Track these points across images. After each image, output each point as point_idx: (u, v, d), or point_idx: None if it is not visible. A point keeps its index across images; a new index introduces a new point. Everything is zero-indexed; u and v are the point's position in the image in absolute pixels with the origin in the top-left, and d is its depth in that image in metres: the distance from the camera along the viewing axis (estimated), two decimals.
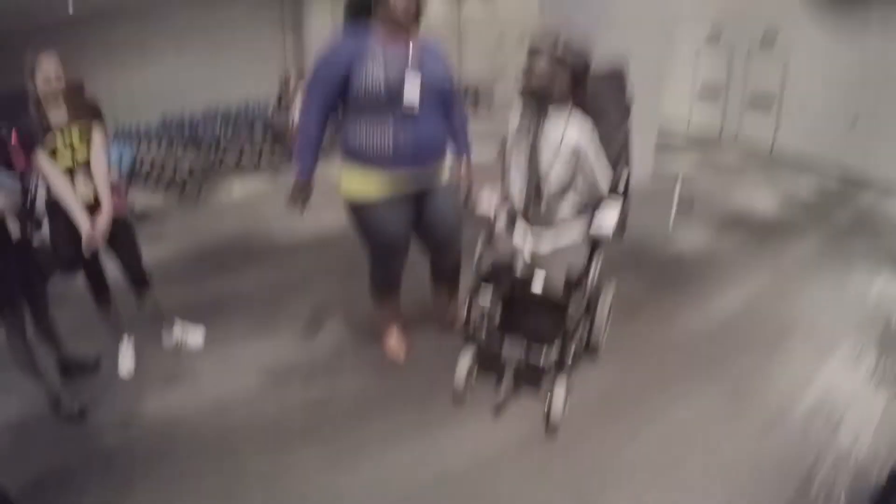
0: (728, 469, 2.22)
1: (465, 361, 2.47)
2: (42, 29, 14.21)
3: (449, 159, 2.69)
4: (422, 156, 2.50)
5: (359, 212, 2.56)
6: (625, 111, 2.56)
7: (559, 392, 2.33)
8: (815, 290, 3.73)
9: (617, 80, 2.56)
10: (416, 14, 2.37)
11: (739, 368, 2.83)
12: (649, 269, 4.02)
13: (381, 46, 2.33)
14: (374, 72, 2.29)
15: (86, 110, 2.78)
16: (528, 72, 2.21)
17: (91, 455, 2.56)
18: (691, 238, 4.67)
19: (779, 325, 3.25)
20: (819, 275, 3.95)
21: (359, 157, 2.45)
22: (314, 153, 2.48)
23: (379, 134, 2.39)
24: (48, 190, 2.76)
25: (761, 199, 6.01)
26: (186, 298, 3.75)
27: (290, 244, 4.89)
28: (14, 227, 2.61)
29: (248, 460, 2.42)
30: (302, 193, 2.52)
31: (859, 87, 7.79)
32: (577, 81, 2.25)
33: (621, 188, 2.46)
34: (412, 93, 2.34)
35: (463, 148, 2.74)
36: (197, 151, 8.86)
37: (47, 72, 2.60)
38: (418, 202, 2.62)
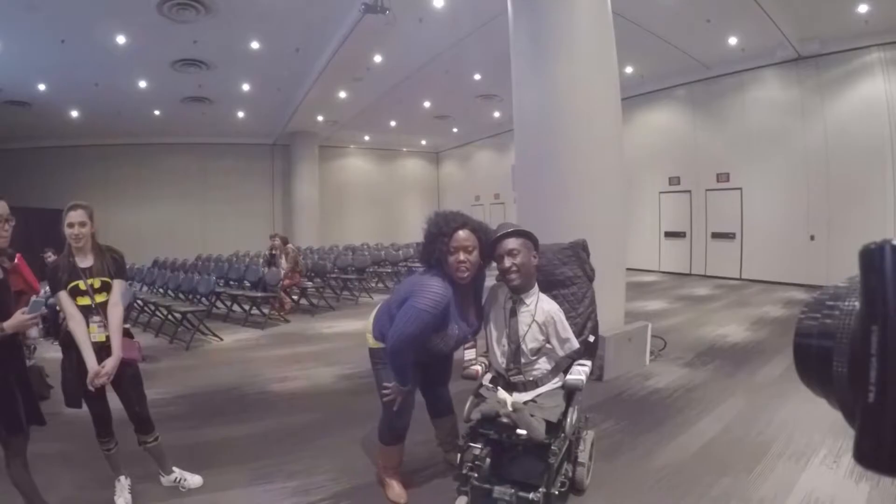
0: None
1: (459, 503, 2.61)
2: (42, 151, 14.94)
3: None
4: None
5: (394, 368, 2.83)
6: (589, 278, 3.01)
7: None
8: (789, 404, 3.96)
9: (580, 252, 3.03)
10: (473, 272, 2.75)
11: (720, 489, 2.97)
12: (629, 408, 4.24)
13: (455, 300, 2.74)
14: (449, 335, 2.74)
15: (111, 261, 3.04)
16: (500, 270, 2.72)
17: None
18: (667, 374, 4.94)
19: (757, 443, 3.44)
20: (792, 391, 4.15)
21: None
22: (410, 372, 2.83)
23: (423, 357, 2.85)
24: (64, 326, 2.93)
25: (732, 324, 6.34)
26: (180, 443, 3.79)
27: (284, 394, 5.04)
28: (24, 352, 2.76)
29: None
30: (401, 395, 2.84)
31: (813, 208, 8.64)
32: (537, 258, 2.76)
33: (590, 349, 2.88)
34: (468, 356, 2.90)
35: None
36: (188, 298, 9.15)
37: (73, 219, 2.92)
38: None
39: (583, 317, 2.92)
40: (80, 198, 3.11)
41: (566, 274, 2.96)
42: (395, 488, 3.09)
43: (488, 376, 2.83)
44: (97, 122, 14.38)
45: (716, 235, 10.68)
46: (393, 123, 17.28)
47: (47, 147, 15.57)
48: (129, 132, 15.79)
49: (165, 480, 3.32)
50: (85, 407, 3.00)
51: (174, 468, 3.34)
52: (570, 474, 2.79)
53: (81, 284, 2.93)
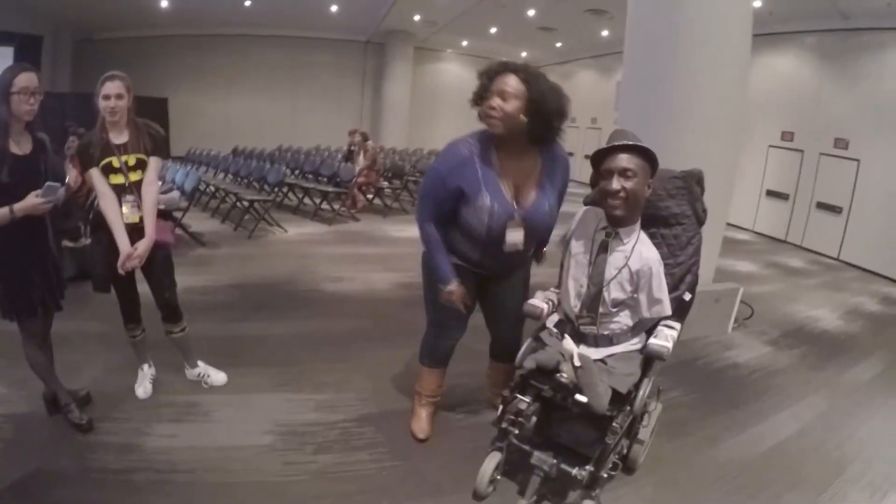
0: None
1: (492, 459, 2.30)
2: (139, 41, 15.34)
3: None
4: (500, 268, 2.54)
5: (430, 267, 2.52)
6: (699, 221, 2.44)
7: None
8: (874, 420, 3.40)
9: (693, 186, 2.43)
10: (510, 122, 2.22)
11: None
12: (701, 380, 3.77)
13: (493, 166, 2.33)
14: (480, 207, 2.30)
15: (148, 138, 2.80)
16: (603, 190, 2.14)
17: (85, 469, 2.50)
18: (748, 348, 4.41)
19: (832, 460, 2.94)
20: (880, 403, 3.62)
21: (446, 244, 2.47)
22: (446, 258, 2.46)
23: (469, 247, 2.44)
24: (96, 205, 2.79)
25: (825, 308, 5.70)
26: (219, 333, 3.72)
27: (335, 296, 4.87)
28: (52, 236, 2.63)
29: None
30: (458, 297, 2.46)
31: None
32: (650, 188, 2.17)
33: (682, 309, 2.34)
34: (514, 240, 2.35)
35: (538, 254, 2.72)
36: (260, 186, 9.13)
37: (109, 91, 2.65)
38: (487, 281, 2.58)
39: (682, 267, 2.36)
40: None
41: (671, 210, 2.38)
42: (422, 420, 2.83)
43: (554, 318, 2.38)
44: (189, 12, 14.17)
45: (821, 206, 9.55)
46: (493, 30, 16.14)
47: (142, 37, 15.49)
48: (221, 22, 15.53)
49: (190, 374, 3.23)
50: (113, 292, 2.88)
51: (199, 362, 3.24)
52: (625, 452, 2.42)
53: (115, 161, 2.71)
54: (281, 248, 6.61)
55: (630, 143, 2.10)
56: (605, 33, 14.60)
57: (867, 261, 8.55)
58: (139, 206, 2.77)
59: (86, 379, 3.09)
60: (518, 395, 2.22)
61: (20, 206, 2.32)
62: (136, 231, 2.75)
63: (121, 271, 2.71)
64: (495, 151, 2.31)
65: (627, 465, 2.50)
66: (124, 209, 2.75)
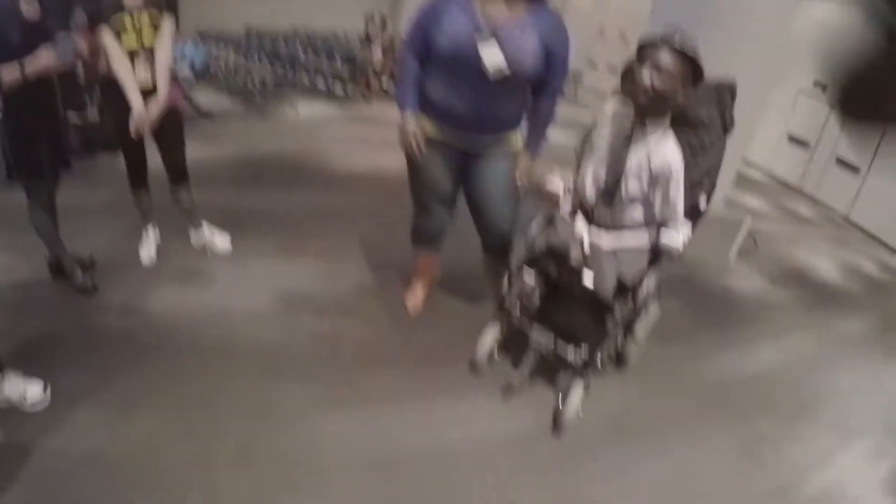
0: None
1: (491, 333, 2.36)
2: None
3: (518, 136, 2.51)
4: (479, 126, 2.40)
5: (396, 98, 2.50)
6: (725, 129, 2.35)
7: (577, 393, 2.20)
8: (856, 372, 3.43)
9: (724, 94, 2.33)
10: None
11: (757, 429, 2.63)
12: (697, 298, 3.80)
13: (471, 6, 2.20)
14: (450, 31, 2.18)
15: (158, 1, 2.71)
16: (633, 78, 1.98)
17: (88, 331, 2.56)
18: (747, 278, 4.42)
19: (807, 398, 3.00)
20: (861, 358, 3.63)
21: (422, 100, 2.39)
22: (414, 90, 2.38)
23: (442, 91, 2.32)
24: (106, 67, 2.72)
25: (826, 260, 5.69)
26: (224, 203, 3.70)
27: (343, 173, 4.80)
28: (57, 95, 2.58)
29: (239, 376, 2.37)
30: (412, 131, 2.40)
31: None
32: (683, 93, 2.01)
33: (694, 216, 2.29)
34: (492, 59, 2.19)
35: (533, 142, 2.51)
36: (273, 66, 8.85)
37: None
38: (469, 162, 2.50)
39: (700, 171, 2.27)
40: None
41: (699, 114, 2.25)
42: (416, 297, 2.87)
43: (568, 203, 2.33)
44: None
45: (840, 162, 9.34)
46: None
47: None
48: None
49: (194, 238, 3.25)
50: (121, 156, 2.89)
51: (204, 224, 3.25)
52: (620, 347, 2.46)
53: (127, 22, 2.62)
54: (291, 127, 6.46)
55: (676, 44, 1.93)
56: None
57: (875, 226, 8.45)
58: (151, 68, 2.72)
59: (90, 246, 3.10)
60: (524, 273, 2.23)
61: (32, 64, 2.28)
62: (147, 96, 2.71)
63: (133, 134, 2.69)
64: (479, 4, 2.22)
65: (620, 361, 2.55)
66: (137, 71, 2.68)
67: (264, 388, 2.32)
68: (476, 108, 2.32)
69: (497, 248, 2.71)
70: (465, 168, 2.52)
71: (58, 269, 2.84)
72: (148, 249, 3.12)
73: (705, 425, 2.55)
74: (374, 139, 6.13)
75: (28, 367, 2.28)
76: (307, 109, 7.32)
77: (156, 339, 2.52)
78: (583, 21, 17.81)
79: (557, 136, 6.23)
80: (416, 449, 2.12)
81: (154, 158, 2.98)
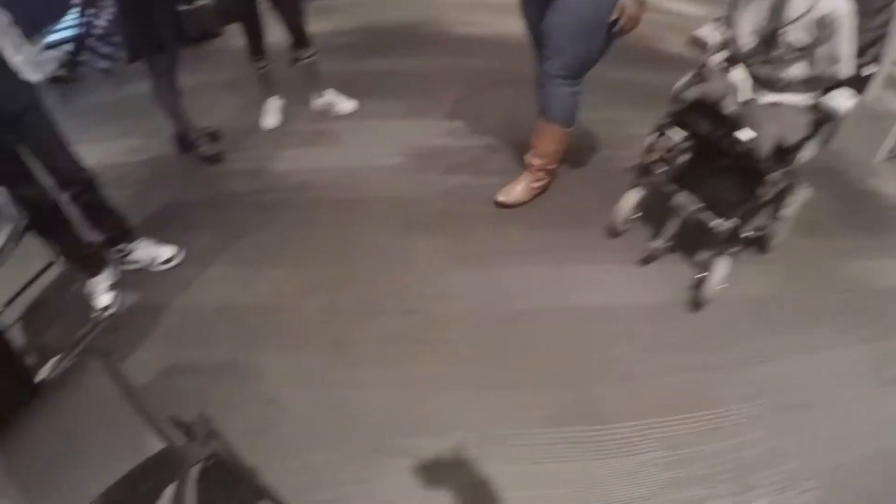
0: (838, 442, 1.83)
1: (632, 196, 2.21)
2: None
3: None
4: None
5: None
6: None
7: (721, 267, 2.03)
8: None
9: None
10: None
11: (893, 347, 2.31)
12: (841, 194, 3.40)
13: None
14: None
15: None
16: None
17: (217, 196, 2.65)
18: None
19: None
20: None
21: None
22: None
23: None
24: None
25: None
26: (343, 71, 3.62)
27: (468, 38, 4.60)
28: None
29: (368, 230, 2.39)
30: None
31: None
32: None
33: (859, 84, 1.97)
34: None
35: None
36: None
37: None
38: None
39: (868, 35, 1.95)
40: None
41: None
42: (521, 186, 2.58)
43: (721, 54, 2.07)
44: None
45: None
46: None
47: None
48: None
49: (317, 104, 3.24)
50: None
51: (327, 89, 3.24)
52: (766, 225, 2.23)
53: None
54: None
55: None
56: None
57: None
58: None
59: (214, 120, 3.16)
60: (668, 131, 2.03)
61: None
62: None
63: None
64: None
65: (762, 243, 2.33)
66: None
67: (393, 242, 2.34)
68: None
69: (543, 93, 2.40)
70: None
71: (183, 142, 2.95)
72: (270, 118, 3.18)
73: (843, 332, 2.28)
74: (494, 5, 5.87)
75: (162, 233, 2.40)
76: None
77: (284, 198, 2.59)
78: None
79: (689, 6, 5.68)
80: (544, 304, 2.08)
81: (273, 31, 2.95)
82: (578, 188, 2.63)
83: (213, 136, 3.03)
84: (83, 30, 4.43)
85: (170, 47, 2.66)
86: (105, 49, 4.44)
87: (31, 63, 1.87)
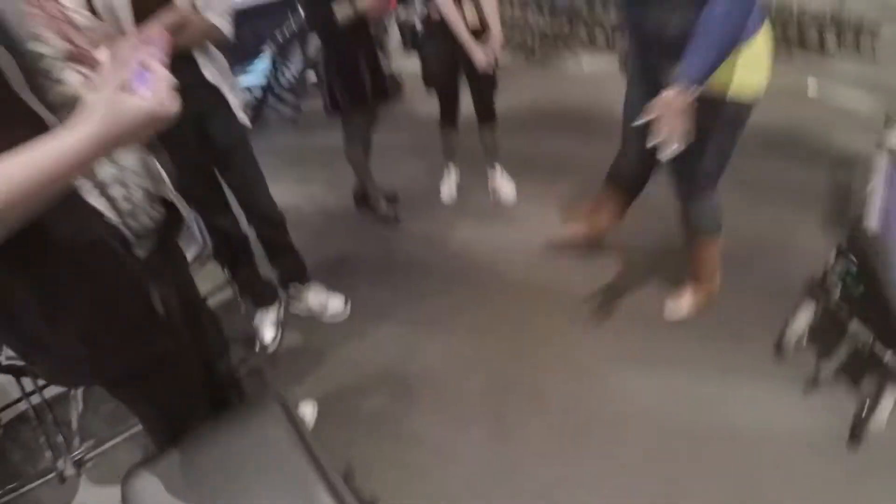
0: None
1: (804, 315, 2.11)
2: None
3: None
4: (654, 46, 1.94)
5: None
6: None
7: (888, 402, 1.89)
8: None
9: None
10: None
11: None
12: None
13: None
14: None
15: None
16: None
17: (390, 256, 2.79)
18: None
19: None
20: None
21: None
22: None
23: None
24: (428, 12, 2.87)
25: None
26: (517, 148, 3.67)
27: None
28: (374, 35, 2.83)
29: (538, 319, 2.42)
30: None
31: None
32: None
33: None
34: None
35: (688, 63, 1.62)
36: (551, 18, 8.66)
37: None
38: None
39: None
40: None
41: None
42: (569, 228, 2.48)
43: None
44: None
45: None
46: None
47: None
48: None
49: (491, 176, 3.36)
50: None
51: (498, 164, 3.35)
52: None
53: None
54: (575, 80, 6.21)
55: None
56: None
57: None
58: (479, 11, 2.77)
59: (394, 182, 3.35)
60: (851, 253, 1.94)
61: (360, 2, 2.52)
62: (475, 35, 2.77)
63: (481, 69, 2.80)
64: None
65: None
66: (466, 11, 2.76)
67: (561, 333, 2.34)
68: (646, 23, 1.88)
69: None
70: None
71: (363, 199, 3.16)
72: (449, 186, 3.36)
73: None
74: None
75: (331, 282, 2.57)
76: (589, 63, 7.14)
77: (458, 270, 2.67)
78: None
79: (854, 99, 5.34)
80: (707, 425, 1.99)
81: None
82: (744, 297, 2.50)
83: (392, 198, 3.21)
84: (272, 78, 4.94)
85: (370, 104, 2.84)
86: (290, 98, 4.93)
87: (242, 111, 2.07)
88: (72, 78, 0.86)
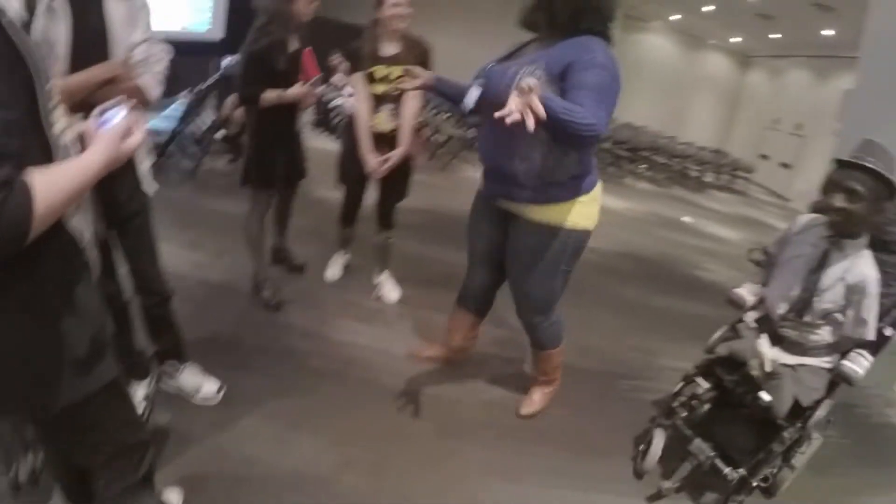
0: None
1: (659, 438, 2.30)
2: None
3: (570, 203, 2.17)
4: (500, 179, 2.17)
5: None
6: None
7: None
8: None
9: None
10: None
11: None
12: (857, 428, 3.44)
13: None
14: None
15: (416, 55, 2.87)
16: (830, 201, 1.97)
17: (269, 344, 2.74)
18: None
19: None
20: None
21: None
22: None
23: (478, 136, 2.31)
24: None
25: None
26: (405, 252, 3.81)
27: None
28: (298, 122, 2.89)
29: (409, 426, 2.43)
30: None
31: None
32: (878, 213, 1.98)
33: (879, 344, 2.16)
34: (470, 97, 2.07)
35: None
36: (457, 123, 9.15)
37: (394, 4, 2.76)
38: (509, 225, 2.28)
39: (892, 299, 2.17)
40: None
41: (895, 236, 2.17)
42: (427, 351, 2.81)
43: (754, 314, 2.28)
44: None
45: None
46: (708, 8, 14.67)
47: None
48: None
49: (377, 282, 3.42)
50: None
51: (385, 273, 3.41)
52: (774, 472, 2.30)
53: (380, 71, 2.83)
54: (471, 184, 6.56)
55: (868, 163, 1.91)
56: (827, 32, 12.75)
57: None
58: (396, 116, 2.88)
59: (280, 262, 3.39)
60: (697, 379, 2.20)
61: (290, 92, 2.64)
62: (386, 140, 2.88)
63: (372, 176, 2.91)
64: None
65: (769, 488, 2.38)
66: (381, 116, 2.87)
67: (431, 442, 2.37)
68: (487, 151, 2.20)
69: (526, 325, 2.51)
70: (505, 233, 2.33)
71: (254, 279, 3.10)
72: (333, 271, 3.38)
73: None
74: None
75: (207, 362, 2.47)
76: None
77: (335, 370, 2.66)
78: (756, 112, 17.02)
79: (727, 232, 5.91)
80: None
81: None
82: (608, 415, 2.71)
83: (297, 269, 3.30)
84: (182, 126, 4.73)
85: (284, 185, 2.91)
86: (195, 151, 4.73)
87: (150, 176, 2.04)
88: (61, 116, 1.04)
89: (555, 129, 1.68)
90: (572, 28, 1.92)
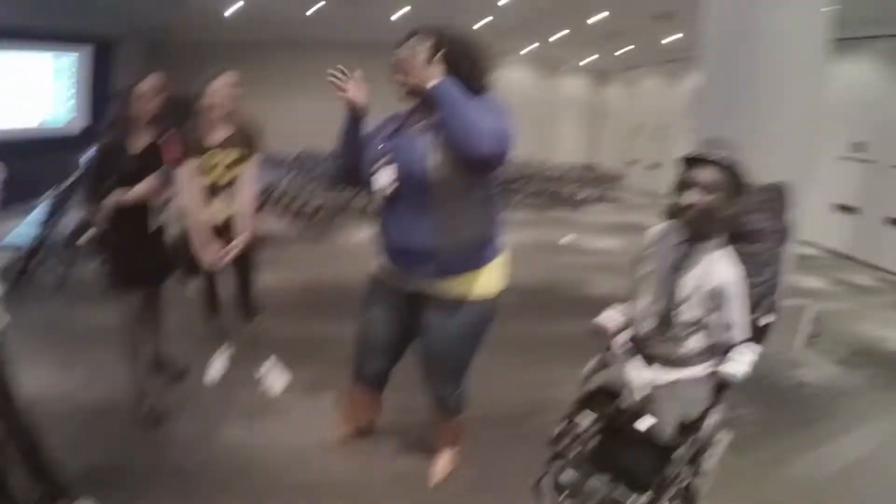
0: None
1: (552, 493, 2.18)
2: (203, 45, 14.71)
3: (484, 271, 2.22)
4: (413, 259, 2.14)
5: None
6: (781, 235, 2.26)
7: None
8: None
9: (776, 200, 2.28)
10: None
11: None
12: (768, 398, 3.60)
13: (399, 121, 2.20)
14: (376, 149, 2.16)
15: (246, 138, 2.80)
16: (682, 199, 1.96)
17: (152, 462, 2.54)
18: (817, 367, 4.24)
19: None
20: None
21: None
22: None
23: (382, 218, 2.23)
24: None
25: (893, 327, 5.42)
26: (285, 333, 3.68)
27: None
28: (154, 218, 2.73)
29: None
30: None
31: None
32: (730, 205, 1.96)
33: (759, 334, 2.16)
34: (381, 178, 2.07)
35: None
36: (329, 189, 9.08)
37: (228, 81, 2.69)
38: (417, 308, 2.28)
39: (763, 287, 2.16)
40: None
41: (755, 225, 2.17)
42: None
43: (625, 336, 2.20)
44: (255, 19, 13.21)
45: (892, 221, 8.97)
46: (560, 35, 15.36)
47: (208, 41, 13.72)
48: (285, 26, 14.41)
49: (260, 373, 3.24)
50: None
51: (267, 361, 3.24)
52: (686, 483, 2.20)
53: (212, 158, 2.73)
54: (351, 250, 6.51)
55: (717, 156, 1.92)
56: (674, 37, 13.74)
57: None
58: (230, 205, 2.79)
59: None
60: (576, 419, 2.12)
61: (132, 194, 2.56)
62: (224, 228, 2.78)
63: (212, 267, 2.79)
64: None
65: (688, 498, 2.35)
66: (215, 206, 2.77)
67: None
68: (393, 233, 2.18)
69: (441, 409, 2.51)
70: (411, 317, 2.33)
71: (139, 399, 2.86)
72: (213, 372, 3.16)
73: None
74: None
75: (95, 495, 2.23)
76: (367, 233, 7.42)
77: (229, 482, 2.47)
78: (618, 120, 18.12)
79: (610, 242, 6.09)
80: None
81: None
82: (518, 461, 2.54)
83: (179, 375, 3.07)
84: (45, 230, 4.37)
85: (143, 284, 2.75)
86: (60, 260, 4.38)
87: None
88: None
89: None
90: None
